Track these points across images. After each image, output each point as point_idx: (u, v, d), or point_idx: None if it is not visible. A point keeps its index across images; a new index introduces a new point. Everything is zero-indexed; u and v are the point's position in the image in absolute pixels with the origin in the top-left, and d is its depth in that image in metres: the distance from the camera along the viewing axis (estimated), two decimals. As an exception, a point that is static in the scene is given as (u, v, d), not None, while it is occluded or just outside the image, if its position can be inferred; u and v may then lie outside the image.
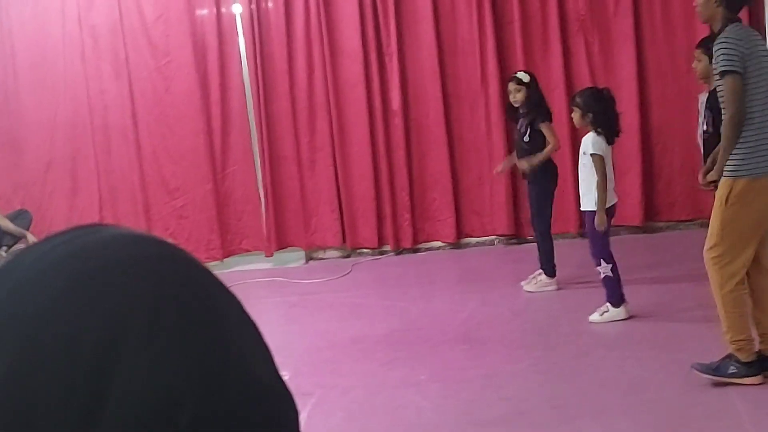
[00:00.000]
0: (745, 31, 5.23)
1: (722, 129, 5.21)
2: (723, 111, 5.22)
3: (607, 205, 6.64)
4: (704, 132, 7.01)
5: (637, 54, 9.43)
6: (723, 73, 5.08)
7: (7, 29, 9.86)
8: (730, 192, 5.14)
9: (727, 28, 5.15)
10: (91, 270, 0.69)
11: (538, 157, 7.54)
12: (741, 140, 5.12)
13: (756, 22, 9.13)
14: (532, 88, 7.63)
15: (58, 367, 0.65)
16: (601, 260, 6.67)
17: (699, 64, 7.05)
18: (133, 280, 0.69)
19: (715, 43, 5.16)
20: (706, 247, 5.30)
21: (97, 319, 0.66)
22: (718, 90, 5.31)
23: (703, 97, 7.53)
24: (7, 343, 0.66)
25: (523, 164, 7.69)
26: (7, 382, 0.65)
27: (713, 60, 5.16)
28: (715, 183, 5.39)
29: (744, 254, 5.25)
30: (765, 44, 5.46)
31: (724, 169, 5.16)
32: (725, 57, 5.06)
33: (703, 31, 8.97)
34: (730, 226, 5.18)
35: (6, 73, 9.90)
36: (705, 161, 6.98)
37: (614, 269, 6.67)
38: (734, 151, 5.13)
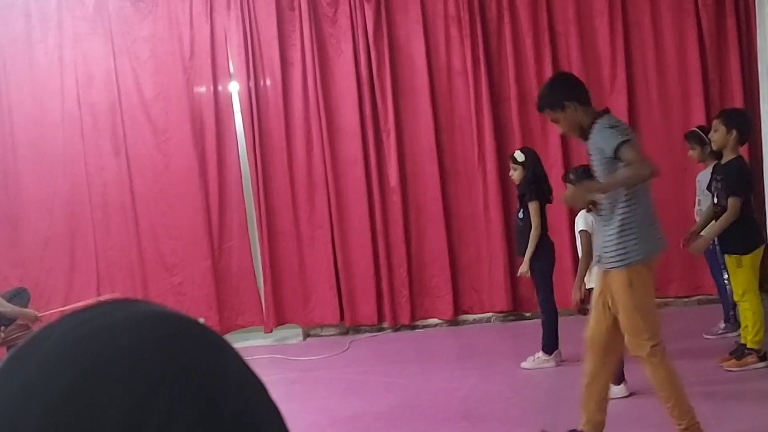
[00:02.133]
0: (618, 120, 5.39)
1: (633, 179, 5.10)
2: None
3: None
4: (716, 206, 7.07)
5: (633, 130, 9.49)
6: (623, 143, 5.03)
7: (6, 107, 9.93)
8: (630, 279, 5.14)
9: (602, 118, 5.22)
10: (117, 350, 0.69)
11: (529, 250, 7.59)
12: (629, 228, 5.11)
13: (747, 34, 9.24)
14: (528, 167, 7.68)
15: None
16: None
17: (715, 133, 7.08)
18: (157, 363, 0.69)
19: (594, 132, 5.17)
20: (638, 341, 5.29)
21: (120, 402, 0.66)
22: (593, 165, 5.29)
23: (702, 176, 7.59)
24: (29, 419, 0.66)
25: (523, 268, 7.71)
26: None
27: (603, 142, 5.11)
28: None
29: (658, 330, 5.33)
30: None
31: (616, 259, 5.15)
32: (617, 131, 5.08)
33: (698, 108, 9.12)
34: (645, 309, 5.23)
35: (5, 150, 9.95)
36: (718, 236, 7.04)
37: None
38: (625, 241, 5.12)
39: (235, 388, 0.72)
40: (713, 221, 7.11)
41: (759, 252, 7.12)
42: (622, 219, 5.13)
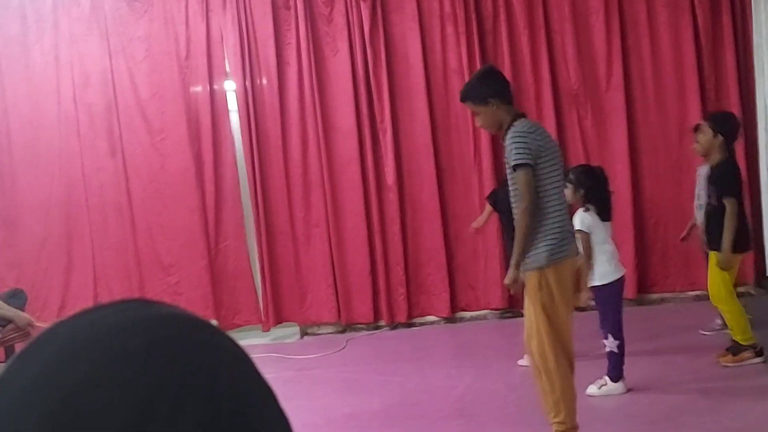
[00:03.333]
0: (534, 125, 5.42)
1: (517, 221, 5.31)
2: (514, 205, 5.35)
3: (611, 279, 6.64)
4: (707, 204, 7.11)
5: (629, 127, 9.52)
6: (516, 167, 5.17)
7: (2, 107, 9.92)
8: (540, 282, 5.26)
9: (517, 123, 5.30)
10: (128, 349, 0.69)
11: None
12: (542, 232, 5.23)
13: (743, 33, 9.25)
14: None
15: None
16: (609, 335, 6.65)
17: (702, 136, 7.15)
18: (161, 368, 0.69)
19: (507, 137, 5.27)
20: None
21: (127, 400, 0.66)
22: (510, 184, 5.38)
23: (702, 170, 7.61)
24: (35, 415, 0.66)
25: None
26: None
27: (508, 150, 5.24)
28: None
29: (566, 333, 5.38)
30: (551, 137, 5.61)
31: (528, 261, 5.26)
32: (517, 151, 5.18)
33: (694, 106, 9.13)
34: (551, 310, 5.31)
35: (1, 150, 9.94)
36: (707, 233, 7.08)
37: (621, 346, 6.65)
38: (541, 244, 5.23)
39: (240, 394, 0.72)
40: (706, 223, 7.18)
41: (741, 255, 7.19)
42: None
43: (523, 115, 5.42)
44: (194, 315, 0.77)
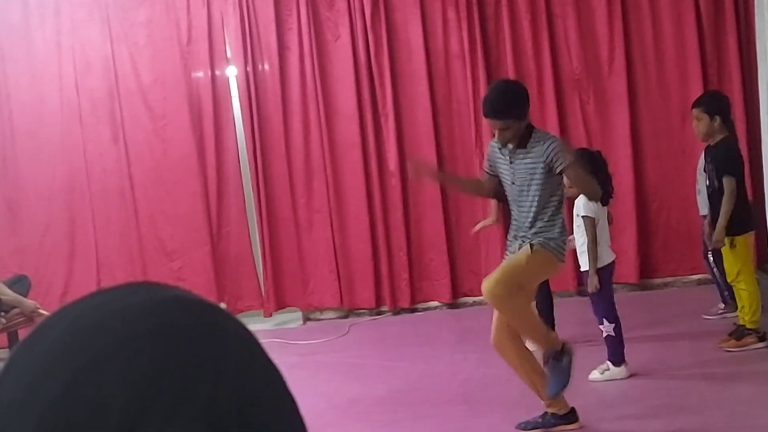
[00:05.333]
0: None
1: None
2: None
3: (604, 264, 6.65)
4: (708, 187, 7.13)
5: (632, 112, 9.51)
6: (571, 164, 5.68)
7: (4, 94, 9.91)
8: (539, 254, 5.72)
9: (536, 131, 5.80)
10: (132, 334, 0.69)
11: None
12: (560, 226, 5.76)
13: (746, 15, 9.23)
14: None
15: (87, 427, 0.65)
16: (604, 319, 6.66)
17: (699, 123, 7.14)
18: (170, 350, 0.69)
19: (541, 143, 5.66)
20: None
21: (127, 387, 0.66)
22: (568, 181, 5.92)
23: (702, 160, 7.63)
24: (39, 401, 0.67)
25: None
26: None
27: (551, 155, 5.62)
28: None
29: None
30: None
31: (540, 243, 5.71)
32: (565, 149, 5.82)
33: (697, 90, 9.11)
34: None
35: (4, 137, 9.93)
36: (711, 216, 7.10)
37: (617, 329, 6.66)
38: (557, 233, 5.74)
39: (247, 379, 0.71)
40: (710, 206, 7.19)
41: (752, 234, 7.20)
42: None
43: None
44: (202, 298, 0.76)
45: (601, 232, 6.64)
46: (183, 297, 0.75)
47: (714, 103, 7.21)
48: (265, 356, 0.75)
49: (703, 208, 7.66)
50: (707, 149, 7.24)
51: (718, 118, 7.03)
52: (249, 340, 0.75)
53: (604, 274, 6.67)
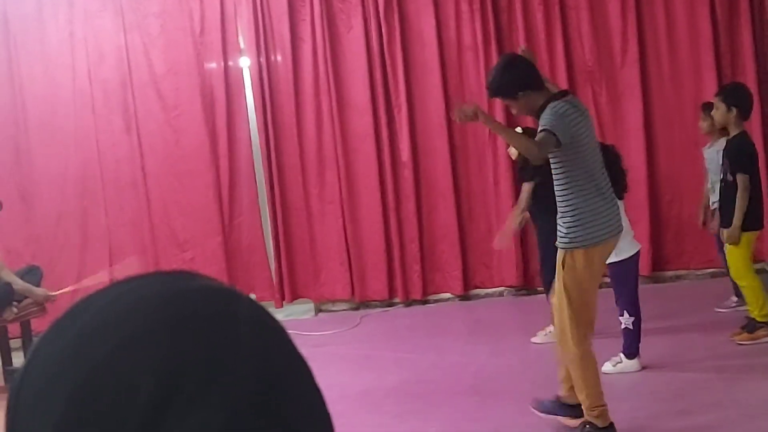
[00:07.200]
0: (563, 106, 5.15)
1: None
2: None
3: (629, 255, 6.61)
4: (722, 181, 7.09)
5: (645, 104, 9.47)
6: (544, 130, 5.05)
7: (18, 85, 9.94)
8: (564, 261, 5.21)
9: (557, 102, 5.15)
10: (156, 323, 0.70)
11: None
12: (571, 211, 5.16)
13: (760, 5, 9.19)
14: None
15: (112, 413, 0.66)
16: (625, 311, 6.64)
17: (716, 111, 7.08)
18: (193, 340, 0.69)
19: (547, 110, 5.12)
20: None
21: (154, 372, 0.67)
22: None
23: (707, 152, 7.59)
24: (66, 385, 0.67)
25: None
26: (63, 420, 0.67)
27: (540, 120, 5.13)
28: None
29: (589, 315, 5.30)
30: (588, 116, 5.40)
31: (561, 240, 5.24)
32: (549, 118, 5.06)
33: (710, 82, 9.07)
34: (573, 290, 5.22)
35: (17, 128, 9.96)
36: (721, 210, 7.07)
37: (636, 322, 6.64)
38: (566, 223, 5.18)
39: (271, 369, 0.72)
40: (720, 200, 7.16)
41: (757, 232, 7.17)
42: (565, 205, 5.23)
43: (564, 94, 5.31)
44: (230, 288, 0.77)
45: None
46: (209, 286, 0.76)
47: (735, 94, 7.11)
48: (289, 345, 0.76)
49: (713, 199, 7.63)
50: (727, 143, 7.17)
51: (734, 110, 6.94)
52: (274, 329, 0.75)
53: (629, 265, 6.64)
